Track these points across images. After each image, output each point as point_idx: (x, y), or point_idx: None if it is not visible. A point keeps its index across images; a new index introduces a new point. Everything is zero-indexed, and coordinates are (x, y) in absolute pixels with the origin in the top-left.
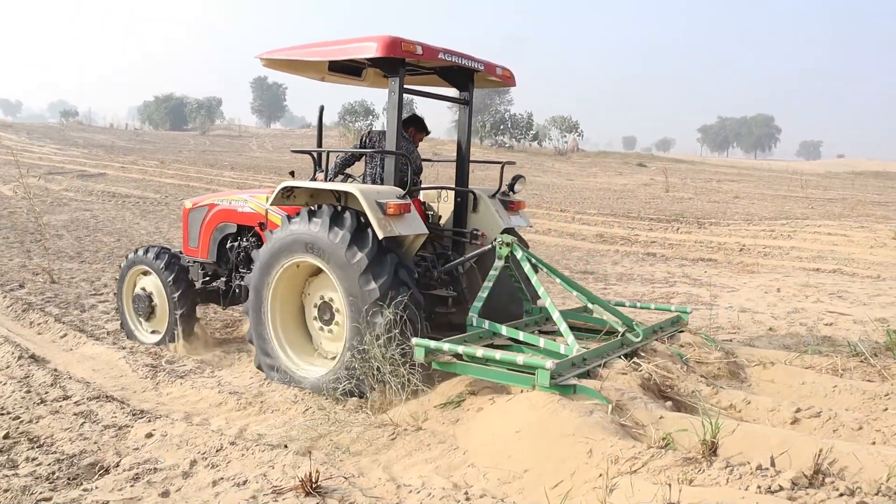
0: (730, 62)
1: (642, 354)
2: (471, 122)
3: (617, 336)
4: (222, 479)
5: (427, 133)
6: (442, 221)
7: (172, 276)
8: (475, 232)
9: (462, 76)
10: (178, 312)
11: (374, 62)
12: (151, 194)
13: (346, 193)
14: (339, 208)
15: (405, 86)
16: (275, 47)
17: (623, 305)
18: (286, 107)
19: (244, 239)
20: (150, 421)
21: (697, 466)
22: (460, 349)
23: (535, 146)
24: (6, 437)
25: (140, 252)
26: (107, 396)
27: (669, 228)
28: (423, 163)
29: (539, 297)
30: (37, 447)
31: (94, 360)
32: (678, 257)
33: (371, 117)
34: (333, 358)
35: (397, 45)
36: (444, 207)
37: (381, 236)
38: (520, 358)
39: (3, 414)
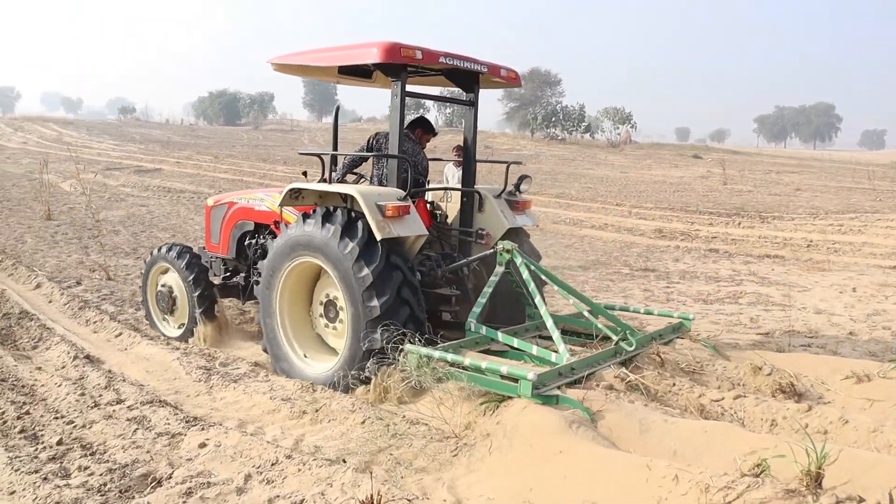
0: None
1: (638, 363)
2: (476, 123)
3: (611, 344)
4: (278, 496)
5: (434, 134)
6: (449, 220)
7: (193, 275)
8: (480, 231)
9: (467, 78)
10: (198, 311)
11: (377, 66)
12: (206, 189)
13: (350, 195)
14: (333, 208)
15: (408, 89)
16: (328, 40)
17: (627, 310)
18: (337, 101)
19: (261, 236)
20: (203, 429)
21: (802, 501)
22: (449, 357)
23: (586, 138)
24: (59, 443)
25: (162, 250)
26: (160, 401)
27: (731, 223)
28: (434, 161)
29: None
30: (89, 455)
31: (148, 361)
32: (742, 254)
33: (422, 110)
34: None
35: (396, 50)
36: (452, 207)
37: (378, 237)
38: (504, 368)
39: (57, 418)
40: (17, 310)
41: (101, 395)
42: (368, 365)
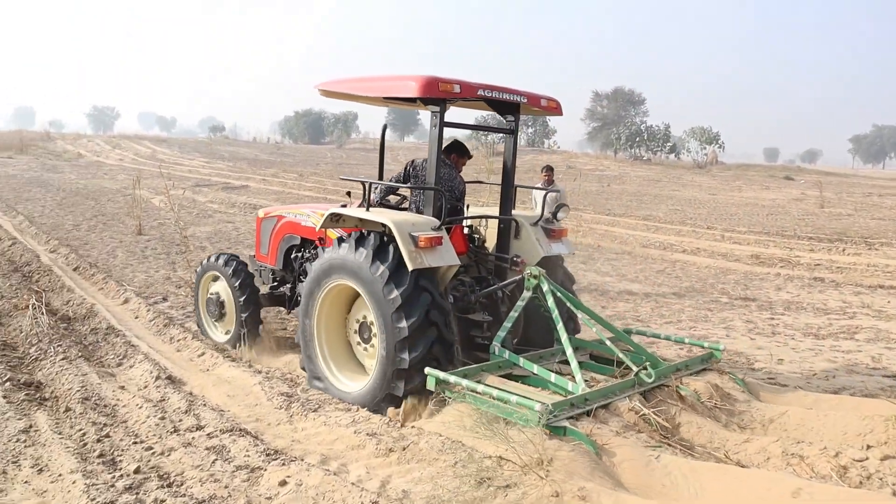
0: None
1: (659, 396)
2: (515, 150)
3: (631, 375)
4: None
5: (469, 157)
6: (487, 245)
7: (239, 281)
8: (516, 258)
9: (508, 106)
10: (243, 315)
11: (416, 99)
12: None
13: (386, 225)
14: (368, 232)
15: (450, 116)
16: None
17: (658, 337)
18: (419, 120)
19: (307, 251)
20: (284, 464)
21: None
22: (465, 382)
23: (671, 159)
24: (137, 471)
25: (212, 259)
26: (240, 430)
27: (834, 249)
28: (476, 183)
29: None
30: (166, 486)
31: (230, 384)
32: (851, 283)
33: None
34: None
35: (434, 85)
36: (491, 233)
37: (410, 268)
38: (513, 398)
39: (136, 442)
40: (105, 325)
41: (181, 420)
42: (397, 384)
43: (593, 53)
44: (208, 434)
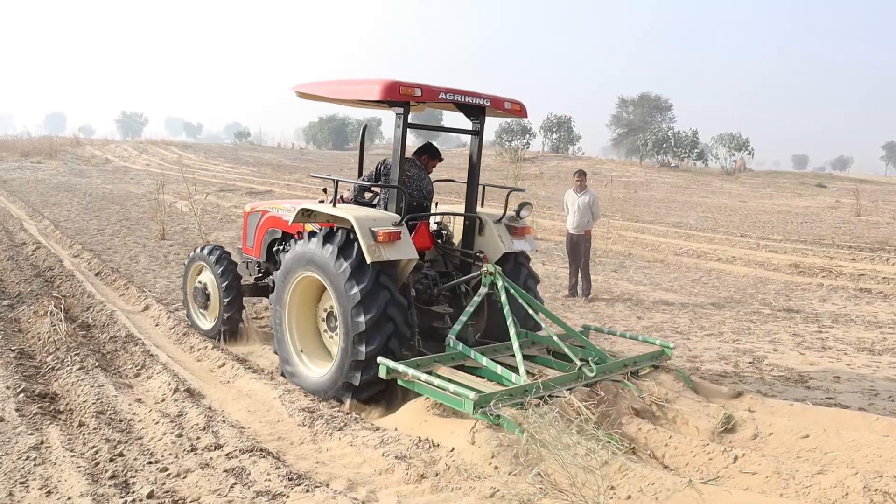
0: None
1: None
2: (480, 150)
3: (575, 369)
4: None
5: (440, 159)
6: (455, 241)
7: (221, 269)
8: (479, 254)
9: (473, 108)
10: (225, 302)
11: (379, 101)
12: None
13: (348, 220)
14: (336, 228)
15: (424, 117)
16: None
17: (614, 334)
18: (441, 123)
19: (287, 244)
20: (308, 490)
21: None
22: (410, 372)
23: (699, 165)
24: (150, 495)
25: (199, 250)
26: (261, 450)
27: (877, 259)
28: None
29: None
30: None
31: (251, 398)
32: None
33: (528, 135)
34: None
35: (395, 88)
36: (458, 229)
37: (369, 260)
38: (451, 387)
39: (151, 462)
40: (124, 333)
41: (198, 438)
42: (354, 374)
43: (619, 59)
44: (227, 454)
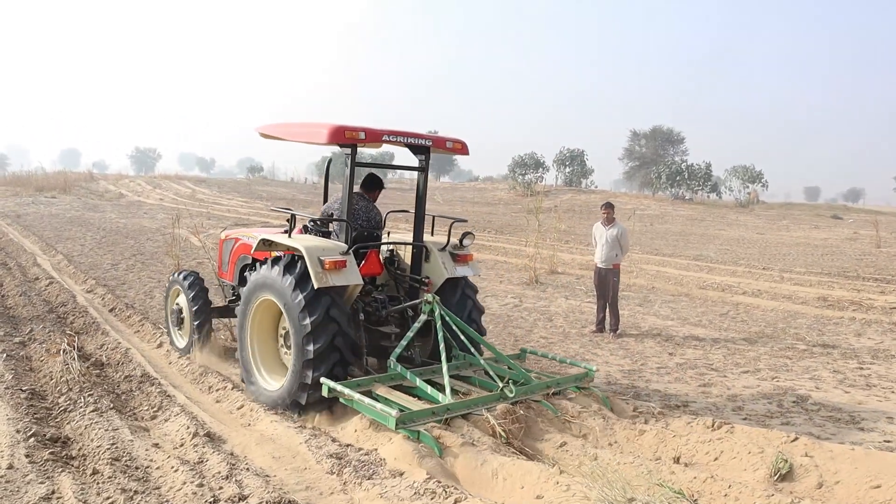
0: None
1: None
2: (426, 186)
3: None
4: None
5: (381, 188)
6: (405, 267)
7: (193, 293)
8: (425, 279)
9: (418, 147)
10: (195, 324)
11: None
12: None
13: (298, 250)
14: (296, 258)
15: (381, 154)
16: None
17: (546, 357)
18: (455, 161)
19: (256, 270)
20: None
21: None
22: (346, 391)
23: (712, 198)
24: None
25: (176, 275)
26: (289, 502)
27: None
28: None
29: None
30: None
31: (274, 442)
32: None
33: (541, 169)
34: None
35: (341, 133)
36: (408, 256)
37: (316, 286)
38: (378, 406)
39: None
40: (140, 372)
41: (221, 488)
42: (301, 395)
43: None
44: None
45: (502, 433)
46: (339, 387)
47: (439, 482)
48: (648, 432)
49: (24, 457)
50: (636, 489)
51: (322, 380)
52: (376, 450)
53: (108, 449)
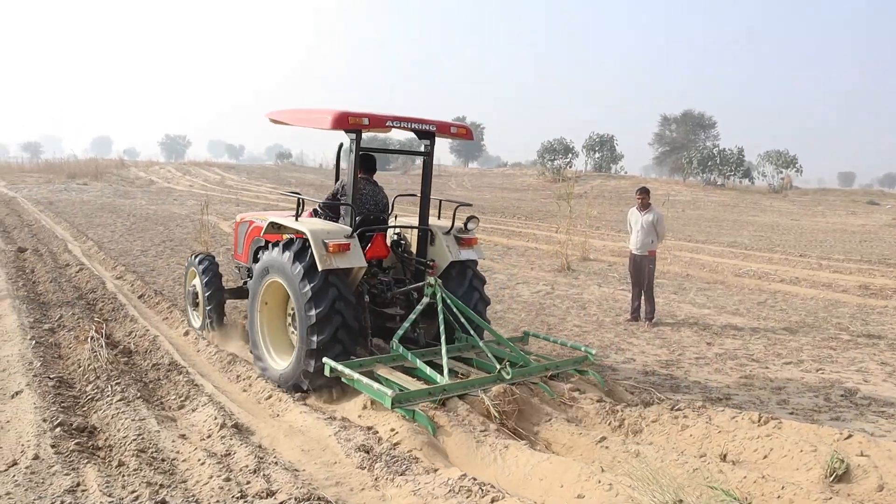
0: None
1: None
2: (430, 171)
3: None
4: None
5: (375, 170)
6: (413, 250)
7: (206, 277)
8: (430, 262)
9: (423, 132)
10: (208, 307)
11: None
12: None
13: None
14: (300, 240)
15: (384, 139)
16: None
17: (548, 340)
18: (483, 146)
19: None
20: None
21: None
22: (347, 371)
23: (745, 183)
24: None
25: (192, 258)
26: (319, 498)
27: None
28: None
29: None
30: None
31: (303, 434)
32: None
33: (570, 154)
34: None
35: (345, 118)
36: (415, 239)
37: (320, 268)
38: (375, 386)
39: None
40: (168, 360)
41: (248, 483)
42: (308, 362)
43: (660, 77)
44: (281, 503)
45: (496, 414)
46: (339, 366)
47: (475, 479)
48: (691, 427)
49: (51, 447)
50: (684, 490)
51: (324, 360)
52: (406, 448)
53: (135, 440)
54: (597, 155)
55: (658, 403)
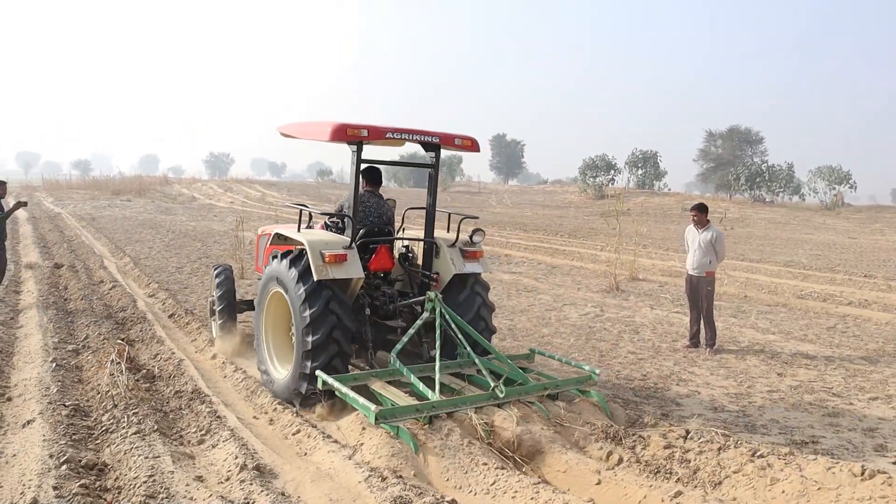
0: None
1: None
2: (436, 183)
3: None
4: None
5: (379, 185)
6: (419, 262)
7: (220, 292)
8: (434, 275)
9: (429, 144)
10: (217, 313)
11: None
12: None
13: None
14: (301, 252)
15: (382, 153)
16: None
17: (553, 358)
18: (524, 163)
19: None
20: None
21: None
22: (337, 385)
23: (795, 200)
24: None
25: (214, 269)
26: None
27: None
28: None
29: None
30: None
31: (331, 480)
32: None
33: (613, 171)
34: None
35: (343, 130)
36: (420, 252)
37: (315, 278)
38: (361, 400)
39: None
40: (191, 387)
41: None
42: (301, 384)
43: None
44: None
45: (483, 433)
46: (330, 379)
47: None
48: (782, 481)
49: (52, 489)
50: None
51: (317, 372)
52: (444, 496)
53: (145, 482)
54: (640, 171)
55: (709, 441)
